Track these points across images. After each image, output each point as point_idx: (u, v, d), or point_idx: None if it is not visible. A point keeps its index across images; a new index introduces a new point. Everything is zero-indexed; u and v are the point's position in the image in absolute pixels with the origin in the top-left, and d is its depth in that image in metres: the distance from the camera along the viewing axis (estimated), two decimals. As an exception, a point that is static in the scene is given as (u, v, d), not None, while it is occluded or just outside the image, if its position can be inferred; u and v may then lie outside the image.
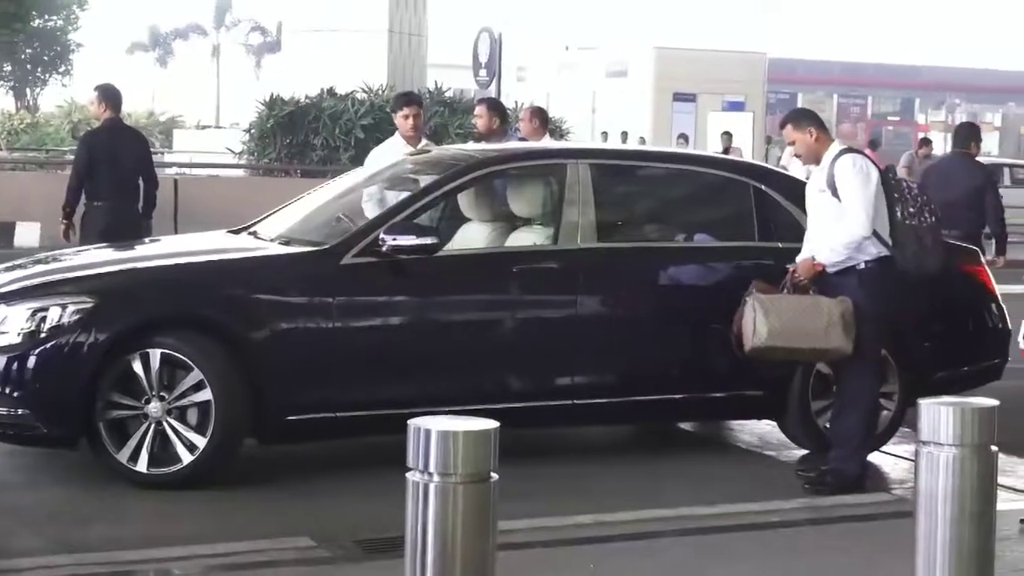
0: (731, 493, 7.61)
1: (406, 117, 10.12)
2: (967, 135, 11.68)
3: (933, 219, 7.87)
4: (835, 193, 7.72)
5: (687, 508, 7.26)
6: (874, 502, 7.62)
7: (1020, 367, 9.11)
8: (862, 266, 7.74)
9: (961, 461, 4.45)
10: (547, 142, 11.39)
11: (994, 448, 4.54)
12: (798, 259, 7.89)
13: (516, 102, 22.13)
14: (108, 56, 77.91)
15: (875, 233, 7.71)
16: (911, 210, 7.83)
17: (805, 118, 8.04)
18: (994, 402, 4.59)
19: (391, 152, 9.83)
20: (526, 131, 11.28)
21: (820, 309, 7.62)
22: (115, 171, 11.08)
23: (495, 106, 11.52)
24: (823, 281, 7.80)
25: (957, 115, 59.82)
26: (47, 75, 55.36)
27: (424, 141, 10.16)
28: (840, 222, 7.71)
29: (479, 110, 11.37)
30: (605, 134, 42.07)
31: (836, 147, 7.89)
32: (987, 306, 8.80)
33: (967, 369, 8.76)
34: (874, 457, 8.59)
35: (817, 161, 7.92)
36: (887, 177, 7.90)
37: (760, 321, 7.63)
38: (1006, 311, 8.83)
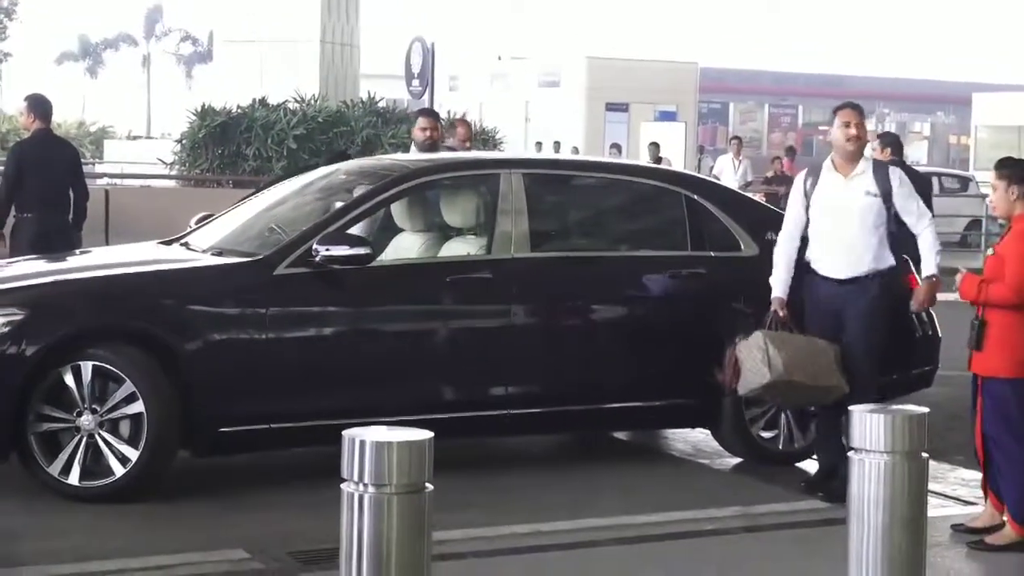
0: (666, 501, 7.64)
1: (422, 129, 10.58)
2: (889, 142, 11.86)
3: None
4: (886, 199, 7.83)
5: (623, 517, 7.28)
6: (807, 509, 7.67)
7: (949, 374, 9.20)
8: (885, 274, 7.86)
9: (892, 468, 4.49)
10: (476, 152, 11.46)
11: (925, 455, 4.58)
12: (821, 267, 7.94)
13: (448, 112, 22.11)
14: (37, 66, 77.26)
15: (891, 242, 7.86)
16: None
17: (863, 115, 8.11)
18: (924, 409, 4.64)
19: None
20: (457, 141, 11.31)
21: (820, 347, 7.78)
22: (45, 182, 10.98)
23: (433, 116, 11.48)
24: (838, 290, 7.84)
25: (887, 124, 60.38)
26: (-25, 85, 54.84)
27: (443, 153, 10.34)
28: (879, 229, 7.82)
29: (426, 122, 11.24)
30: (539, 144, 42.14)
31: (868, 154, 8.06)
32: (917, 314, 8.87)
33: (897, 377, 8.83)
34: (806, 464, 8.65)
35: (855, 160, 7.93)
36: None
37: (774, 354, 7.70)
38: (936, 319, 8.91)
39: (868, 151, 8.10)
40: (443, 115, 17.04)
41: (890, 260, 7.91)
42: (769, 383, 7.73)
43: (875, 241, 7.85)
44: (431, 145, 10.89)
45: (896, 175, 7.94)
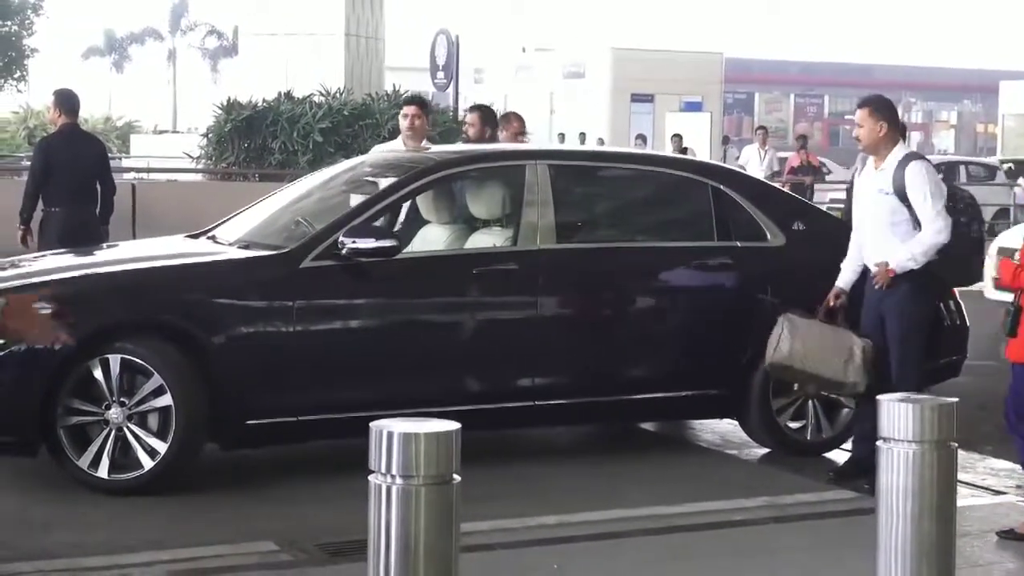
0: (694, 492, 7.63)
1: (405, 116, 10.41)
2: None
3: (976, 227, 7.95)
4: (902, 198, 7.72)
5: (650, 508, 7.27)
6: (836, 499, 7.65)
7: (978, 364, 9.17)
8: (914, 274, 7.77)
9: (921, 457, 4.47)
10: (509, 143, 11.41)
11: (954, 444, 4.57)
12: (867, 260, 7.94)
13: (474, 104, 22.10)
14: (64, 61, 77.55)
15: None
16: (963, 219, 7.89)
17: (884, 108, 7.94)
18: (953, 399, 4.62)
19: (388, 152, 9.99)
20: (505, 137, 11.32)
21: (844, 343, 7.80)
22: (72, 177, 11.04)
23: (487, 114, 11.49)
24: (871, 286, 7.87)
25: (913, 113, 60.17)
26: (2, 81, 55.01)
27: (426, 143, 10.29)
28: (897, 227, 7.76)
29: (471, 118, 11.37)
30: (562, 135, 42.12)
31: (901, 150, 7.89)
32: (945, 303, 8.84)
33: (926, 366, 8.80)
34: (834, 455, 8.64)
35: (875, 154, 7.91)
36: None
37: (784, 339, 7.82)
38: (964, 308, 8.88)
39: (900, 149, 7.92)
40: (467, 107, 17.04)
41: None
42: (775, 363, 7.91)
43: (895, 239, 7.78)
44: (477, 142, 10.94)
45: (913, 170, 7.72)
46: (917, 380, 7.74)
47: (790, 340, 7.79)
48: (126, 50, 77.71)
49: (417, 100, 10.78)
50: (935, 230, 7.68)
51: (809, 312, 8.01)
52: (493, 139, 11.15)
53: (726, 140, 40.70)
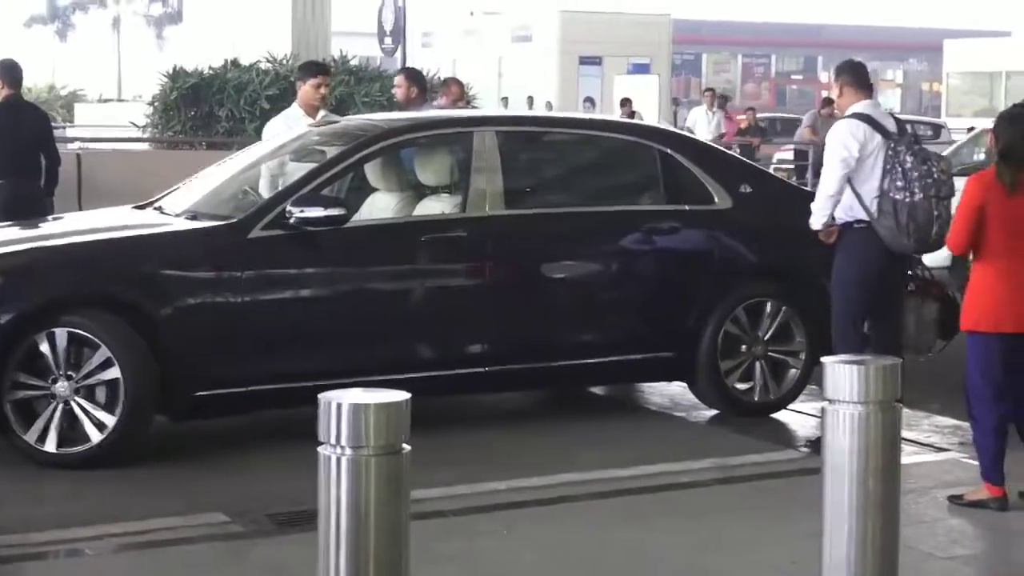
0: (643, 455, 7.68)
1: (317, 87, 10.01)
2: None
3: (921, 196, 7.90)
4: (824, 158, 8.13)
5: (599, 471, 7.32)
6: (783, 459, 7.73)
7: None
8: (853, 227, 8.03)
9: (866, 418, 4.52)
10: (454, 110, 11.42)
11: (898, 404, 4.62)
12: None
13: (424, 70, 22.04)
14: (6, 30, 76.68)
15: (860, 200, 7.88)
16: (898, 183, 7.91)
17: (842, 72, 8.34)
18: (897, 359, 4.67)
19: (291, 123, 9.76)
20: (444, 103, 11.32)
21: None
22: (16, 149, 10.94)
23: (414, 75, 11.56)
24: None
25: (859, 73, 60.21)
26: (-56, 50, 54.40)
27: (323, 112, 10.06)
28: None
29: (398, 80, 11.47)
30: (505, 99, 42.04)
31: (850, 110, 8.15)
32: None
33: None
34: (782, 415, 8.72)
35: (842, 113, 8.28)
36: (888, 146, 7.98)
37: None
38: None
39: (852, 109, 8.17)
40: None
41: (844, 217, 8.01)
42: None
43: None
44: (405, 104, 10.97)
45: (832, 129, 8.22)
46: (841, 340, 7.90)
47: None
48: (69, 18, 76.92)
49: (327, 69, 10.60)
50: (823, 181, 8.13)
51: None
52: (420, 101, 11.13)
53: (676, 102, 40.73)
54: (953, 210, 7.90)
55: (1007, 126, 6.62)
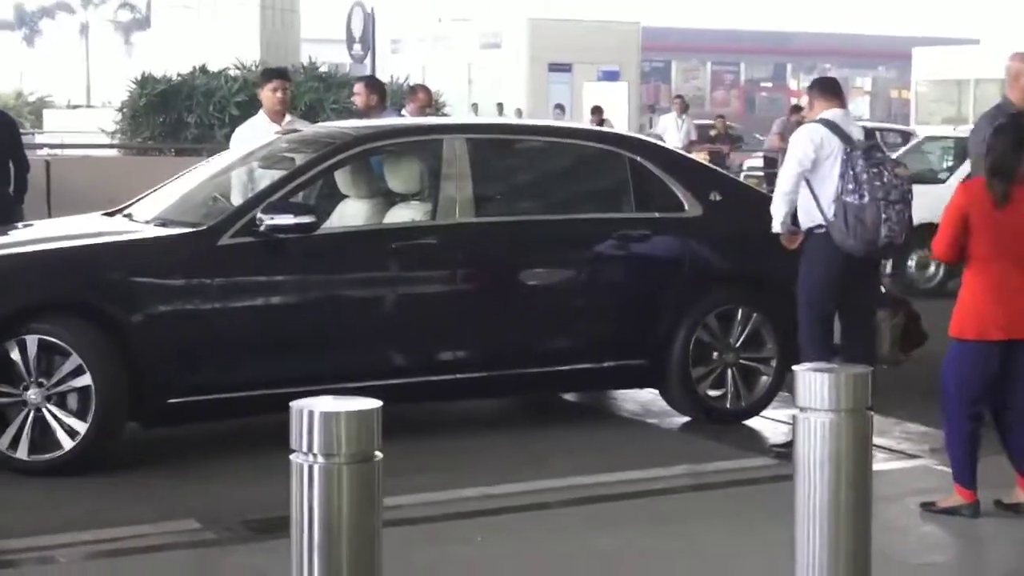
0: (615, 462, 7.69)
1: (274, 91, 9.96)
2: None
3: (868, 198, 7.89)
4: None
5: (572, 478, 7.33)
6: (755, 466, 7.75)
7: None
8: (814, 232, 8.09)
9: (837, 426, 4.53)
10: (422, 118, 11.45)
11: (869, 412, 4.63)
12: None
13: (391, 76, 22.05)
14: (-28, 36, 76.46)
15: (818, 204, 7.95)
16: (849, 187, 7.94)
17: (812, 87, 8.55)
18: (868, 367, 4.69)
19: (258, 130, 9.75)
20: (412, 110, 11.36)
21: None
22: (-17, 156, 10.89)
23: (373, 83, 11.63)
24: None
25: (828, 80, 60.36)
26: (-90, 56, 54.11)
27: (289, 117, 10.05)
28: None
29: (357, 87, 11.55)
30: (475, 106, 42.05)
31: (817, 117, 8.26)
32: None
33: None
34: (754, 422, 8.74)
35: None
36: (845, 151, 8.01)
37: None
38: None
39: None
40: (387, 80, 17.02)
41: (806, 222, 8.08)
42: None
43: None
44: (365, 111, 11.04)
45: (793, 135, 8.40)
46: (808, 344, 7.95)
47: None
48: (37, 24, 76.70)
49: (284, 73, 10.62)
50: (778, 180, 8.29)
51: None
52: (380, 108, 11.17)
53: (652, 108, 40.72)
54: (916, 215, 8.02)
55: (994, 140, 6.63)
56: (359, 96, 11.35)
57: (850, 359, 7.70)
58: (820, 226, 8.04)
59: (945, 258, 6.71)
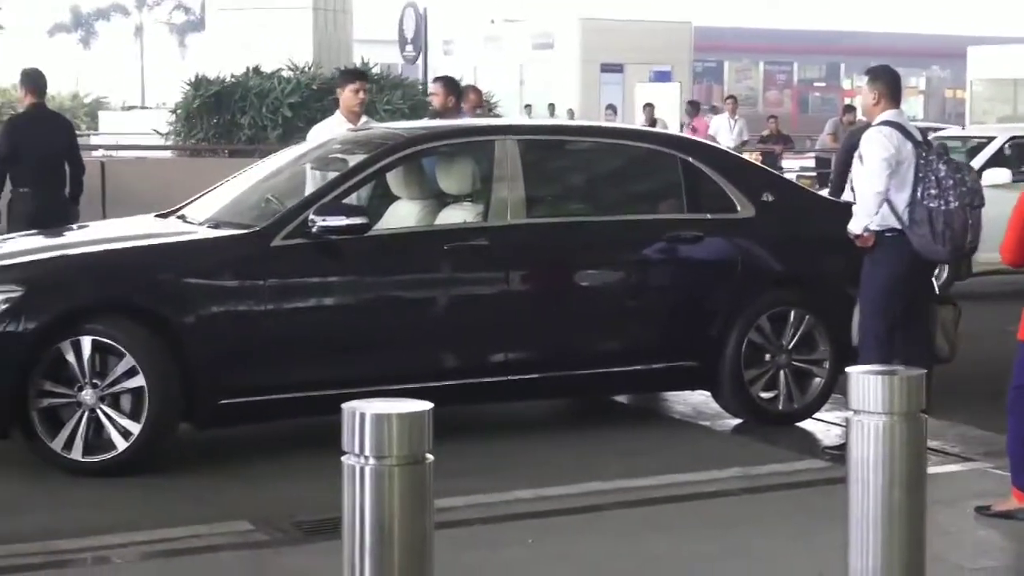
0: (667, 464, 7.66)
1: (356, 91, 10.14)
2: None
3: (956, 204, 7.85)
4: (863, 161, 8.03)
5: (624, 481, 7.30)
6: (808, 469, 7.71)
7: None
8: (885, 235, 7.99)
9: (891, 429, 4.50)
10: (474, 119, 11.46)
11: (923, 415, 4.60)
12: None
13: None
14: (30, 39, 77.05)
15: (892, 207, 7.85)
16: (932, 191, 7.87)
17: (879, 79, 8.23)
18: (922, 370, 4.65)
19: (333, 130, 9.84)
20: (468, 108, 11.37)
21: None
22: (40, 158, 10.99)
23: (450, 84, 11.60)
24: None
25: (882, 80, 60.00)
26: (-32, 59, 54.60)
27: (365, 118, 10.16)
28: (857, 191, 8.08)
29: (435, 88, 11.56)
30: (529, 107, 42.05)
31: (880, 118, 8.09)
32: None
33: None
34: (807, 424, 8.69)
35: (870, 121, 8.23)
36: (920, 155, 7.95)
37: None
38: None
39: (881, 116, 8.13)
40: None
41: (890, 225, 7.97)
42: None
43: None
44: (442, 112, 11.02)
45: (865, 137, 8.13)
46: (868, 349, 7.88)
47: None
48: (92, 26, 77.25)
49: (366, 74, 10.72)
50: (868, 183, 7.96)
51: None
52: (457, 109, 11.19)
53: (714, 110, 40.55)
54: (984, 219, 7.93)
55: None
56: (436, 97, 11.34)
57: (908, 361, 7.64)
58: (892, 230, 7.95)
59: (1014, 262, 6.65)
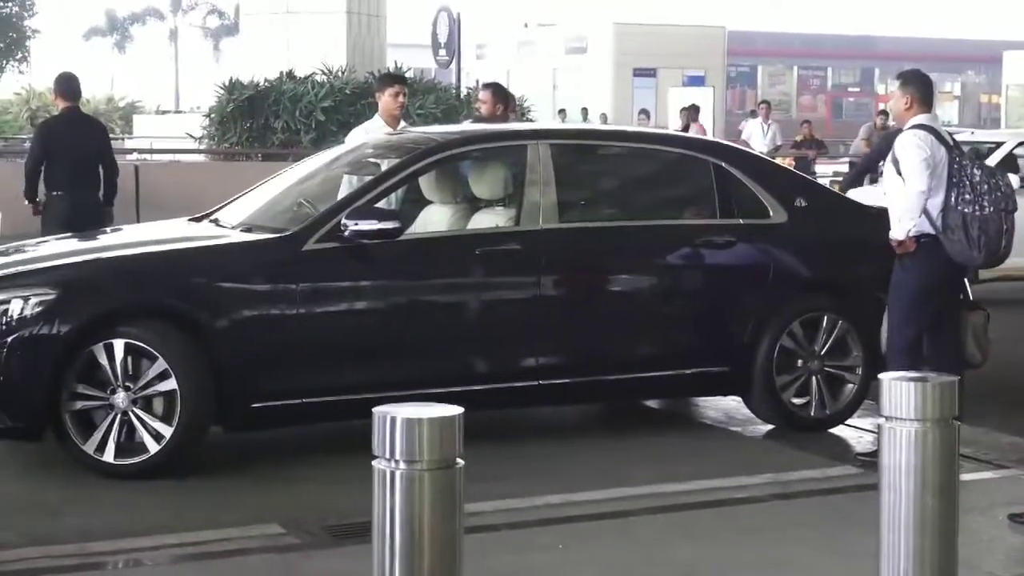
0: (698, 470, 7.65)
1: (396, 95, 10.23)
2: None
3: (991, 209, 7.80)
4: (897, 168, 7.88)
5: (655, 486, 7.29)
6: (840, 475, 7.68)
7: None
8: (919, 240, 7.91)
9: (923, 436, 4.48)
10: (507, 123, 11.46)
11: (956, 422, 4.58)
12: None
13: (476, 81, 22.09)
14: (66, 42, 77.59)
15: (927, 213, 7.80)
16: (967, 196, 7.81)
17: (910, 83, 8.09)
18: (954, 377, 4.63)
19: (371, 134, 9.89)
20: (487, 111, 11.38)
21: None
22: (74, 161, 11.06)
23: (499, 91, 11.64)
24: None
25: (916, 85, 59.78)
26: (4, 62, 54.95)
27: (403, 123, 10.22)
28: (891, 195, 7.97)
29: (483, 95, 11.55)
30: (563, 111, 42.06)
31: (912, 122, 7.99)
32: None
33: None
34: (839, 430, 8.66)
35: (901, 126, 8.13)
36: (953, 159, 7.91)
37: None
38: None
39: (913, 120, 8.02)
40: (471, 84, 17.05)
41: (924, 230, 7.90)
42: None
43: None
44: (489, 119, 11.05)
45: (899, 140, 7.98)
46: (898, 354, 7.83)
47: None
48: (127, 30, 77.59)
49: (405, 79, 10.77)
50: (910, 185, 7.81)
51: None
52: (504, 117, 11.23)
53: (754, 113, 40.35)
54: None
55: None
56: (485, 104, 11.36)
57: (938, 368, 7.60)
58: (925, 235, 7.89)
59: None
